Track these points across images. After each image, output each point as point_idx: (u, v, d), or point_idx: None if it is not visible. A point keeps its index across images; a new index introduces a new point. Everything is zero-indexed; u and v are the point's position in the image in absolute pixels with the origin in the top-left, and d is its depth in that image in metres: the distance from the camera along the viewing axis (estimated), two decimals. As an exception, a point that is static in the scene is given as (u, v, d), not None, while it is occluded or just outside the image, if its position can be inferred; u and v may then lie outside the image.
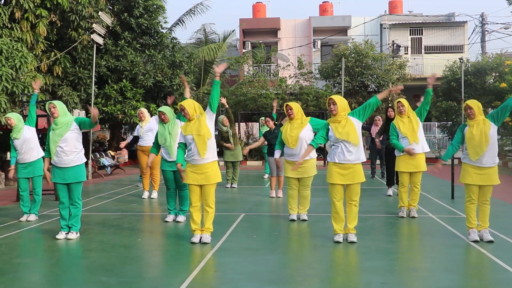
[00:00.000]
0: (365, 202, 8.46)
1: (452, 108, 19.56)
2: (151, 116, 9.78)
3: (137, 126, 9.77)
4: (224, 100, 10.15)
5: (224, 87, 23.02)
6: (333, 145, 5.69)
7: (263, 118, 10.66)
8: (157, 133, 7.14)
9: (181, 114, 6.62)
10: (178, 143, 5.84)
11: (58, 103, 6.09)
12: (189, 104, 5.66)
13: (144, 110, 9.58)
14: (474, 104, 5.64)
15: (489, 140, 5.52)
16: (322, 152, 18.39)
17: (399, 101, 7.26)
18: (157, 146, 7.07)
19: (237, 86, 22.33)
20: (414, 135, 7.13)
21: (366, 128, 12.28)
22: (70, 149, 5.98)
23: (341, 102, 5.58)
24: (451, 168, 9.18)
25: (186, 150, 5.79)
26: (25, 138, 7.30)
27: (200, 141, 5.55)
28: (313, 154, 7.06)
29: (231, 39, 27.26)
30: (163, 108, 7.19)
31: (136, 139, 9.59)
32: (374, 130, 11.71)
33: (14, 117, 7.34)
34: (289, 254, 5.42)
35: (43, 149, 6.92)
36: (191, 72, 19.29)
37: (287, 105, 6.92)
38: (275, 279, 4.39)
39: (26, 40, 13.11)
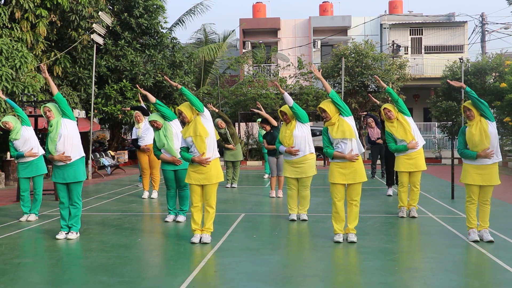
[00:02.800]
0: (365, 202, 8.46)
1: (452, 108, 19.56)
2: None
3: (134, 129, 9.76)
4: (211, 106, 10.10)
5: (224, 87, 23.02)
6: (335, 144, 5.73)
7: (259, 120, 10.62)
8: (154, 140, 7.19)
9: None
10: (180, 147, 5.87)
11: (52, 106, 6.10)
12: (186, 108, 5.72)
13: (140, 112, 9.60)
14: (472, 105, 5.67)
15: (490, 136, 5.56)
16: (322, 152, 18.38)
17: (385, 108, 7.26)
18: (158, 149, 7.12)
19: (237, 86, 22.33)
20: (409, 135, 7.13)
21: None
22: (68, 145, 5.99)
23: (329, 107, 5.65)
24: (451, 168, 9.18)
25: (189, 152, 5.81)
26: (25, 137, 7.32)
27: (198, 141, 5.60)
28: (308, 150, 7.06)
29: (231, 39, 27.27)
30: (153, 117, 7.18)
31: (135, 141, 9.59)
32: (371, 132, 11.74)
33: (11, 120, 7.36)
34: (289, 254, 5.42)
35: (43, 149, 6.92)
36: (191, 72, 19.30)
37: (281, 111, 7.04)
38: (275, 279, 4.39)
39: (26, 40, 13.11)
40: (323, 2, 29.38)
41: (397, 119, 7.21)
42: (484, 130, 5.57)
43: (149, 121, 7.24)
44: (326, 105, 5.66)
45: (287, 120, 7.05)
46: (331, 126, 5.68)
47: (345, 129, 5.58)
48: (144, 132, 9.44)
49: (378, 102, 9.95)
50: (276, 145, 7.28)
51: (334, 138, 5.64)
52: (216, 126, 10.89)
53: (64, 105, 6.06)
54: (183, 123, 5.90)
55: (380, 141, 11.30)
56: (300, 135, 6.96)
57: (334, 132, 5.63)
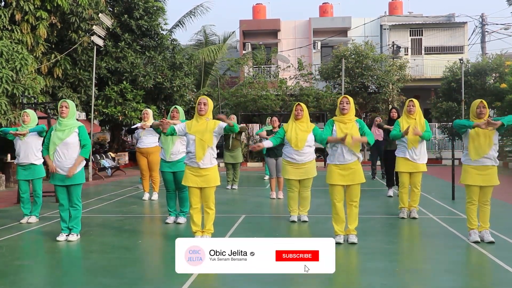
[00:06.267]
0: (366, 203, 8.45)
1: (452, 109, 19.54)
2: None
3: (138, 124, 9.55)
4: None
5: (225, 89, 23.02)
6: (333, 146, 5.71)
7: (269, 117, 10.73)
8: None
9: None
10: (174, 125, 5.78)
11: (71, 105, 6.06)
12: (211, 103, 5.72)
13: (149, 111, 9.39)
14: (487, 105, 5.68)
15: (492, 144, 5.56)
16: (322, 153, 18.36)
17: (411, 100, 7.18)
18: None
19: (237, 88, 22.32)
20: (415, 140, 7.06)
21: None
22: (69, 152, 5.96)
23: (352, 104, 5.68)
24: (452, 169, 9.18)
25: (186, 151, 5.79)
26: (26, 141, 7.25)
27: (200, 145, 5.56)
28: (313, 155, 7.07)
29: (231, 41, 27.27)
30: (178, 107, 7.28)
31: (133, 130, 9.43)
32: (374, 131, 11.71)
33: (31, 116, 7.26)
34: (290, 255, 5.41)
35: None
36: (191, 74, 19.30)
37: (298, 104, 6.86)
38: (276, 280, 4.39)
39: (26, 42, 13.12)
40: (323, 3, 29.40)
41: (415, 119, 7.10)
42: (489, 136, 5.55)
43: (174, 107, 7.25)
44: (351, 100, 5.69)
45: (299, 116, 6.78)
46: (340, 124, 5.62)
47: (353, 135, 5.53)
48: (145, 135, 9.35)
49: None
50: (271, 139, 6.72)
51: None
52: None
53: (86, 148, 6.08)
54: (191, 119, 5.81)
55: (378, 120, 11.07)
56: (311, 139, 6.81)
57: (343, 131, 5.55)
